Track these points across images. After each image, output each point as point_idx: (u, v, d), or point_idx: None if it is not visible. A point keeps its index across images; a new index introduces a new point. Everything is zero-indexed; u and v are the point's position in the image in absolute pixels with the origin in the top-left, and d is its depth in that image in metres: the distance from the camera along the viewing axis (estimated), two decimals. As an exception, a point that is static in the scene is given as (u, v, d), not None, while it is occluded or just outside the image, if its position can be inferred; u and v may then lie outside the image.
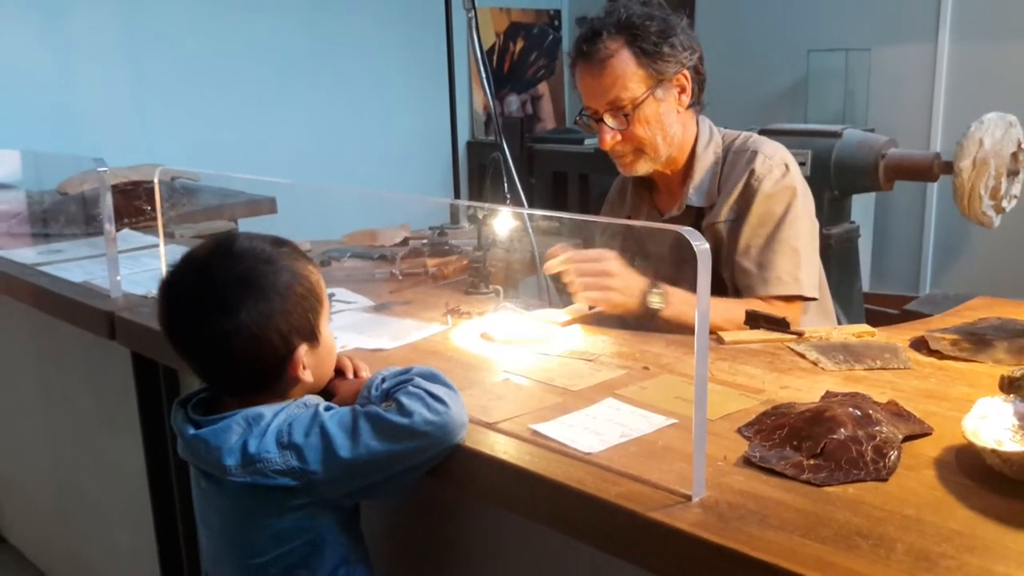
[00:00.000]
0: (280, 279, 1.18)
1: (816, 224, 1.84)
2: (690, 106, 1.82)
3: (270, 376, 1.20)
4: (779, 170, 1.79)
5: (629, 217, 2.01)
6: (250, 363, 1.17)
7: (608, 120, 1.77)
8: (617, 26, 1.73)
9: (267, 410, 1.17)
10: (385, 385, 1.21)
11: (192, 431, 1.20)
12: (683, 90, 1.78)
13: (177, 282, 1.21)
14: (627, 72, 1.73)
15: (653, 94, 1.74)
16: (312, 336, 1.21)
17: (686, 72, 1.77)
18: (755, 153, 1.82)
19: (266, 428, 1.15)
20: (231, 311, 1.15)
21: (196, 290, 1.18)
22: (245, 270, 1.17)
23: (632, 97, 1.74)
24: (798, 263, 1.75)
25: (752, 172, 1.80)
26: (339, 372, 1.32)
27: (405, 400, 1.14)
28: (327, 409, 1.18)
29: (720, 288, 1.79)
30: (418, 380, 1.18)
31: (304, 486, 1.14)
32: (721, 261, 1.81)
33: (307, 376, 1.21)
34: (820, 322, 1.87)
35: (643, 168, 1.84)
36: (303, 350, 1.20)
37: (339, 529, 1.23)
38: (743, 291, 1.78)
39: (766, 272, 1.75)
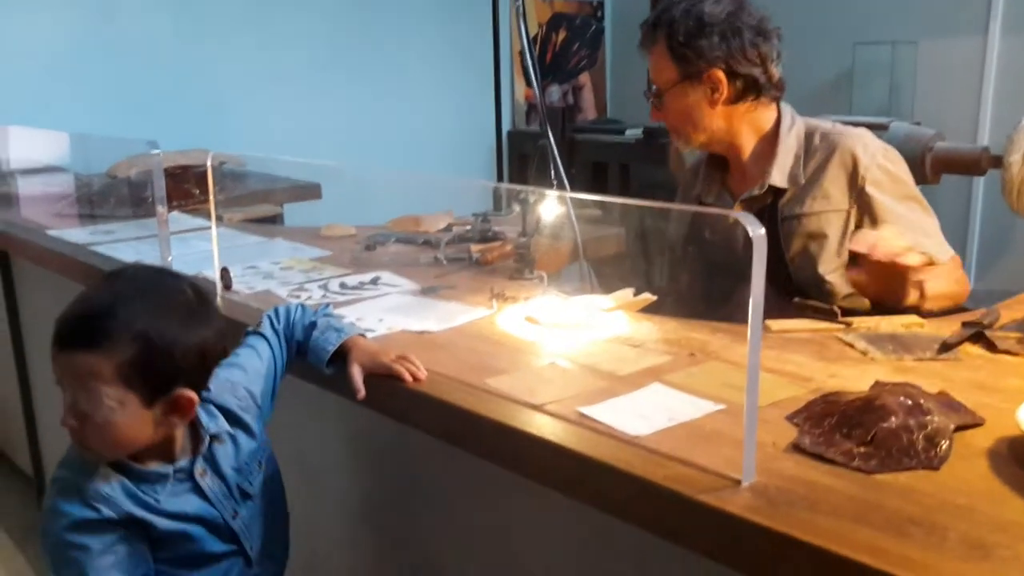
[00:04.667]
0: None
1: None
2: (736, 101, 1.84)
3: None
4: (881, 155, 1.84)
5: (699, 196, 2.02)
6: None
7: (652, 99, 1.92)
8: (659, 21, 1.87)
9: None
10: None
11: None
12: (715, 88, 1.82)
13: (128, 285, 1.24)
14: (660, 63, 1.87)
15: (679, 87, 1.84)
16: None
17: (718, 72, 1.80)
18: (844, 142, 1.83)
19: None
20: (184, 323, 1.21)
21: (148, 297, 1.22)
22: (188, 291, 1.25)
23: (663, 85, 1.87)
24: (928, 232, 1.83)
25: (858, 163, 1.81)
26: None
27: None
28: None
29: (782, 276, 1.80)
30: None
31: None
32: (820, 254, 1.82)
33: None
34: None
35: (681, 146, 1.97)
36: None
37: None
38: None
39: (934, 238, 1.83)
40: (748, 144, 1.90)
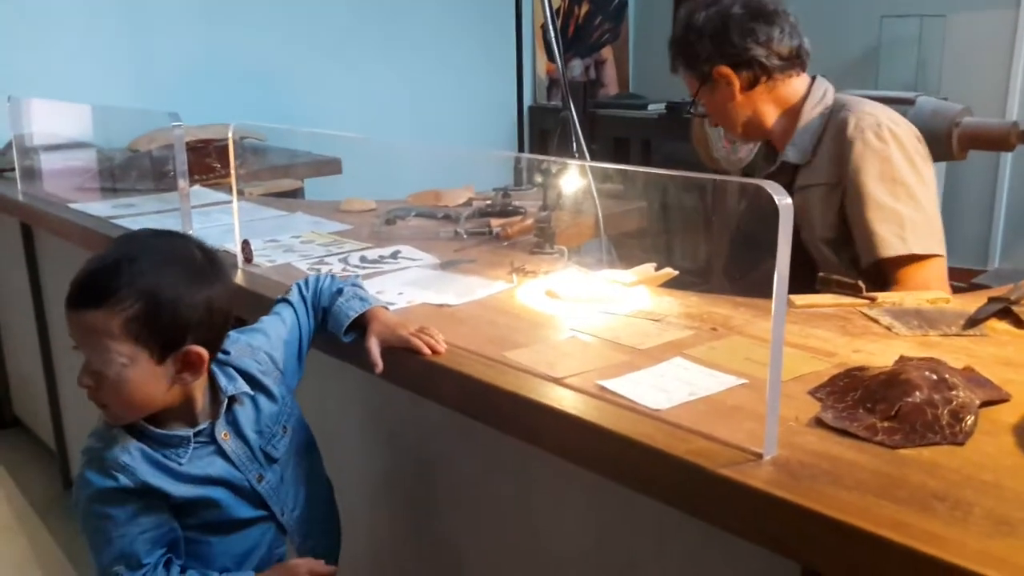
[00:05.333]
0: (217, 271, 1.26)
1: (929, 182, 1.81)
2: (752, 87, 1.91)
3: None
4: (871, 132, 1.78)
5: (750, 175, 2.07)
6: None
7: (693, 111, 2.06)
8: (670, 43, 2.01)
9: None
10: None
11: None
12: (728, 82, 1.90)
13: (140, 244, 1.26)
14: (684, 78, 2.00)
15: (701, 92, 1.96)
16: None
17: (722, 68, 1.89)
18: (847, 116, 1.83)
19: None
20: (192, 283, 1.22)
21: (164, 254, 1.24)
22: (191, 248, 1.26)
23: (694, 95, 1.99)
24: (901, 221, 1.74)
25: (845, 138, 1.80)
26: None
27: None
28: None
29: (800, 252, 1.78)
30: None
31: None
32: (804, 225, 1.83)
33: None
34: None
35: (739, 141, 2.12)
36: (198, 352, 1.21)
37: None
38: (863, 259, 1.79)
39: (869, 240, 1.76)
40: (776, 121, 1.95)
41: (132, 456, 1.16)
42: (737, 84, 1.91)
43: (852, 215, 1.80)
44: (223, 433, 1.24)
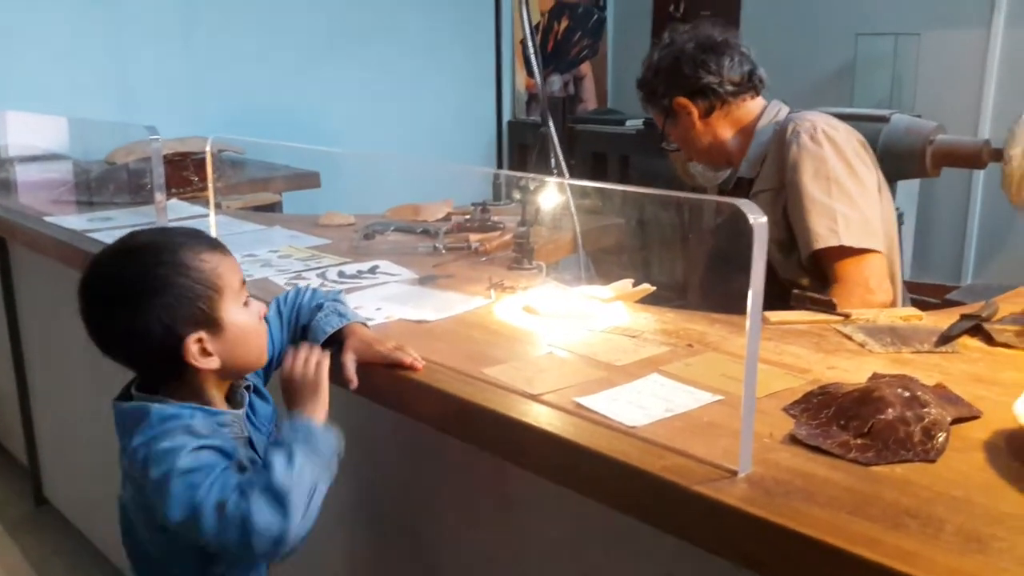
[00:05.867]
0: (157, 273, 1.18)
1: (867, 183, 1.89)
2: (709, 113, 2.03)
3: (167, 367, 1.20)
4: (807, 135, 1.88)
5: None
6: (143, 358, 1.20)
7: (664, 144, 2.19)
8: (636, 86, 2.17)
9: (155, 410, 1.17)
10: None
11: (115, 400, 1.24)
12: (688, 111, 2.04)
13: (82, 281, 1.23)
14: (651, 113, 2.17)
15: (667, 125, 2.11)
16: (211, 323, 1.20)
17: (680, 99, 2.03)
18: (787, 124, 1.94)
19: (141, 431, 1.16)
20: (108, 313, 1.19)
21: (89, 291, 1.21)
22: (122, 271, 1.20)
23: (662, 129, 2.13)
24: (833, 215, 1.81)
25: (784, 142, 1.91)
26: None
27: (255, 494, 1.09)
28: (197, 450, 1.14)
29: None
30: (303, 479, 1.12)
31: None
32: None
33: (210, 363, 1.20)
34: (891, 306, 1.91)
35: (708, 170, 2.15)
36: (197, 338, 1.19)
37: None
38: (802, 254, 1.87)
39: (805, 234, 1.84)
40: (733, 141, 2.05)
41: (195, 420, 1.17)
42: (695, 112, 2.04)
43: (791, 214, 1.88)
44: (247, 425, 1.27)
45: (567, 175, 2.28)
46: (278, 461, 1.11)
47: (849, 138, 1.91)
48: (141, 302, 1.17)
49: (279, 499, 1.08)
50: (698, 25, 2.07)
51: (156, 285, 1.18)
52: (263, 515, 1.07)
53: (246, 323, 1.25)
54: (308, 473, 1.12)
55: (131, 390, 1.25)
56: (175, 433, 1.14)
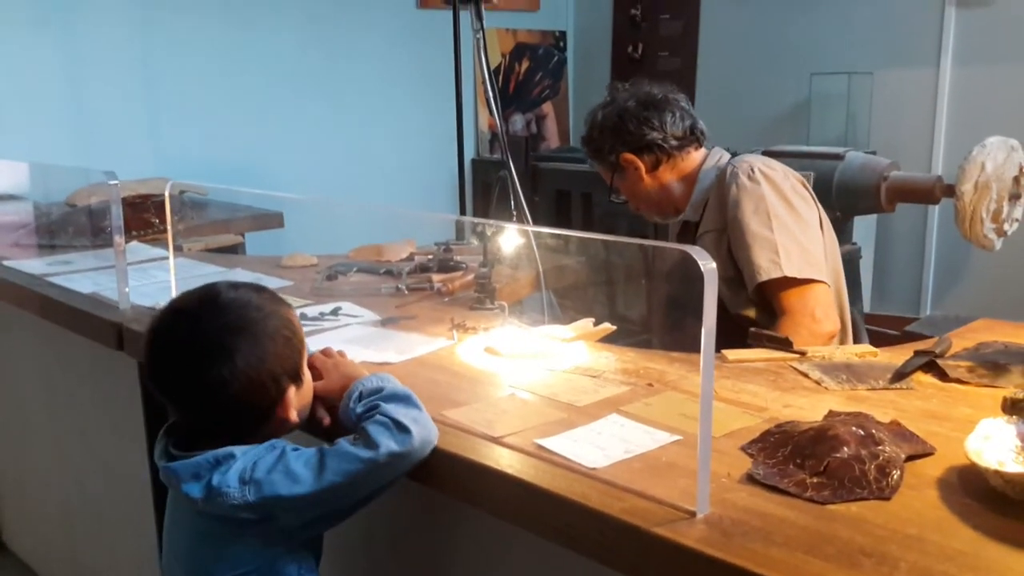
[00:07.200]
0: (269, 324, 1.22)
1: (807, 217, 1.93)
2: (656, 167, 2.07)
3: (260, 419, 1.23)
4: (744, 175, 1.93)
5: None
6: (244, 408, 1.21)
7: (614, 198, 2.22)
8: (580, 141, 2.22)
9: (238, 450, 1.19)
10: (359, 409, 1.24)
11: (165, 463, 1.23)
12: (635, 166, 2.07)
13: (165, 331, 1.23)
14: (598, 169, 2.19)
15: (616, 180, 2.14)
16: (298, 377, 1.25)
17: (626, 155, 2.07)
18: (727, 168, 1.99)
19: (231, 465, 1.17)
20: (228, 358, 1.18)
21: (188, 339, 1.21)
22: (236, 318, 1.21)
23: (611, 184, 2.16)
24: (775, 248, 1.85)
25: (724, 184, 1.96)
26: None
27: (372, 431, 1.17)
28: (295, 449, 1.20)
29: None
30: (385, 408, 1.20)
31: (261, 518, 1.18)
32: None
33: (293, 416, 1.24)
34: (841, 337, 1.95)
35: (658, 221, 2.23)
36: (291, 391, 1.23)
37: (290, 557, 1.25)
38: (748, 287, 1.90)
39: (749, 269, 1.87)
40: (680, 191, 2.09)
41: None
42: (643, 167, 2.07)
43: (735, 251, 1.92)
44: None
45: (528, 215, 2.29)
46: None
47: (786, 176, 1.97)
48: (260, 351, 1.20)
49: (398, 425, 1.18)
50: (636, 83, 2.11)
51: (271, 335, 1.21)
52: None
53: (309, 379, 1.30)
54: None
55: (169, 448, 1.24)
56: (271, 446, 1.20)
